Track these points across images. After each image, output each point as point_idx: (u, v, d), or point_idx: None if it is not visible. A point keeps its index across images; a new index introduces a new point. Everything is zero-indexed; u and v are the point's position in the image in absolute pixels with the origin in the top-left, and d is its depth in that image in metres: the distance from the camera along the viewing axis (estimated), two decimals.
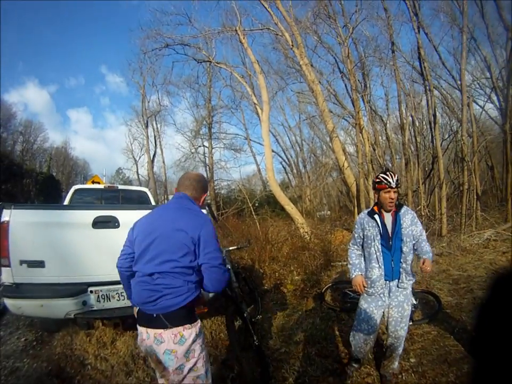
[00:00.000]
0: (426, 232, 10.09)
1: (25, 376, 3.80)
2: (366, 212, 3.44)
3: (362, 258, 3.46)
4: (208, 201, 22.14)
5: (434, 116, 11.09)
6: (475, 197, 10.26)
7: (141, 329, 2.31)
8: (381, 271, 3.24)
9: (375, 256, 3.25)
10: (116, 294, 4.10)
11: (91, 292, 4.03)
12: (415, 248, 3.29)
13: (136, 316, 2.44)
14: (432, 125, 11.12)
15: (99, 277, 4.01)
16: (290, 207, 11.77)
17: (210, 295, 4.29)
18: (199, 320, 2.39)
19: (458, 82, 12.73)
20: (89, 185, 8.80)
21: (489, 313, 0.87)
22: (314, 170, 24.98)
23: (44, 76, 70.79)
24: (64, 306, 3.85)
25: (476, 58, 17.35)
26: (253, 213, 12.99)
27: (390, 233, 3.23)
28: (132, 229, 2.46)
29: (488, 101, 17.00)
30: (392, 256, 3.22)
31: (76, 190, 7.63)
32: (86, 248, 4.00)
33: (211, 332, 4.79)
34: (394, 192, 3.12)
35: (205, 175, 24.29)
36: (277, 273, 7.15)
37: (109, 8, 65.61)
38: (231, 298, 4.32)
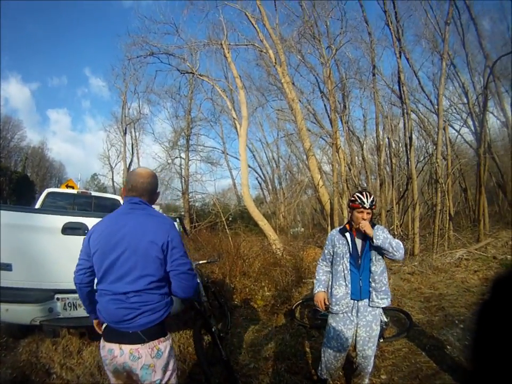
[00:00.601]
0: None
1: None
2: (338, 229, 3.42)
3: (330, 275, 3.42)
4: (182, 213, 21.96)
5: (410, 138, 11.33)
6: (448, 217, 10.47)
7: (111, 346, 2.13)
8: (348, 290, 3.20)
9: (342, 274, 3.22)
10: None
11: (58, 299, 3.89)
12: None
13: (101, 331, 2.28)
14: (408, 147, 11.36)
15: (66, 285, 3.77)
16: (263, 223, 11.71)
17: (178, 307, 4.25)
18: (169, 333, 2.30)
19: (436, 106, 13.05)
20: (62, 190, 8.59)
21: (489, 316, 0.84)
22: (290, 187, 25.02)
23: (27, 72, 68.58)
24: (30, 312, 3.69)
25: (454, 84, 17.99)
26: (226, 227, 12.88)
27: (359, 252, 3.20)
28: (87, 239, 2.22)
29: (464, 126, 17.50)
30: (360, 275, 3.19)
31: (49, 193, 7.44)
32: (54, 254, 3.85)
33: (179, 345, 4.66)
34: (367, 213, 3.10)
35: (181, 186, 24.25)
36: (247, 289, 7.05)
37: (99, 10, 64.91)
38: (199, 312, 4.22)
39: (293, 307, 5.99)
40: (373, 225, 3.20)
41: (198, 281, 4.43)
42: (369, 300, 3.20)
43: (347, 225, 3.32)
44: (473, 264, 7.74)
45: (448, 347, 4.23)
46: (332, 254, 3.36)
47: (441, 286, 6.64)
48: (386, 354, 4.31)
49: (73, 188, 9.27)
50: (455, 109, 18.68)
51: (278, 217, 22.24)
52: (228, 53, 13.00)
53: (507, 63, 16.36)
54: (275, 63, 12.50)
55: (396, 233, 11.26)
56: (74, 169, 61.21)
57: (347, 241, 3.22)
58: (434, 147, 12.14)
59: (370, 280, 3.17)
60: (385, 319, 4.59)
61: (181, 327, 5.10)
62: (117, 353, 2.10)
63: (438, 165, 10.54)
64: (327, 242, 3.44)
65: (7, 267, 3.70)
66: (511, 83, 16.70)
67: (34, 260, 3.84)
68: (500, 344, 0.77)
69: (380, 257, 3.20)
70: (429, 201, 14.88)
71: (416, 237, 10.10)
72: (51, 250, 3.86)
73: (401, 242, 3.17)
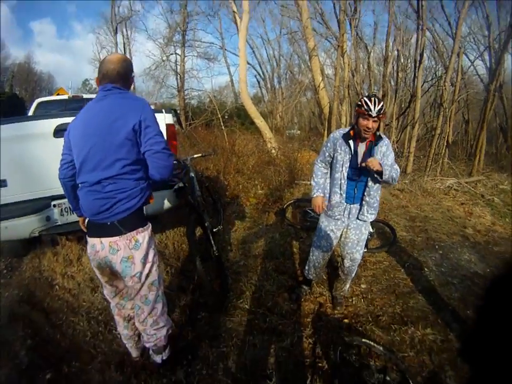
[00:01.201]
0: None
1: None
2: (341, 132, 3.14)
3: (328, 178, 3.31)
4: (177, 108, 21.49)
5: (421, 55, 10.74)
6: (445, 144, 10.41)
7: (93, 241, 2.19)
8: (342, 198, 3.14)
9: (339, 182, 3.11)
10: None
11: (54, 205, 3.86)
12: None
13: (85, 228, 2.34)
14: (418, 63, 10.80)
15: (61, 189, 3.81)
16: (260, 121, 11.48)
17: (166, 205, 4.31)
18: (149, 223, 2.30)
19: (454, 30, 12.20)
20: (52, 97, 8.12)
21: (488, 315, 0.83)
22: (289, 87, 24.39)
23: None
24: (28, 224, 3.69)
25: (478, 13, 16.51)
26: (222, 124, 12.67)
27: (359, 164, 3.02)
28: (67, 133, 2.22)
29: (479, 58, 16.71)
30: (356, 185, 3.10)
31: (39, 103, 7.27)
32: (47, 160, 3.64)
33: (173, 243, 4.78)
34: (373, 121, 2.83)
35: (176, 84, 23.44)
36: (241, 186, 7.13)
37: None
38: (193, 207, 4.23)
39: (284, 206, 6.12)
40: (379, 138, 3.01)
41: (192, 175, 4.42)
42: (359, 212, 3.18)
43: (351, 132, 3.05)
44: (461, 196, 7.86)
45: (425, 269, 4.38)
46: (332, 156, 3.19)
47: (428, 209, 6.79)
48: (368, 264, 4.48)
49: (64, 95, 8.87)
50: (474, 38, 17.62)
51: (275, 117, 21.90)
52: None
53: None
54: None
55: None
56: (65, 78, 57.40)
57: (350, 149, 3.02)
58: (445, 71, 11.70)
59: (365, 193, 3.11)
60: (371, 230, 4.71)
61: (175, 224, 5.18)
62: (98, 248, 2.16)
63: (445, 89, 10.22)
64: (328, 144, 3.19)
65: (3, 183, 3.59)
66: None
67: (29, 170, 3.71)
68: (500, 343, 0.77)
69: (390, 166, 2.99)
70: (428, 124, 14.71)
71: (411, 156, 10.13)
72: (44, 157, 3.68)
73: (399, 170, 3.05)
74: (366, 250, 4.53)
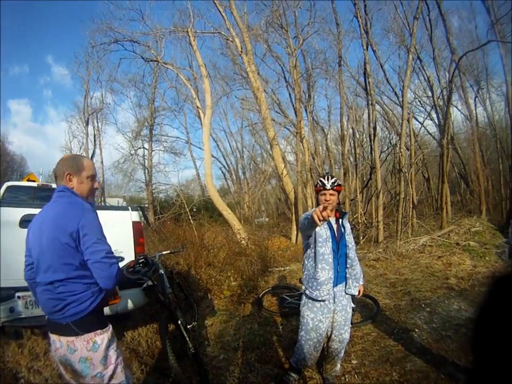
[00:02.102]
0: (363, 238, 10.52)
1: None
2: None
3: (311, 256, 3.26)
4: (145, 205, 21.52)
5: (375, 128, 11.53)
6: (411, 205, 10.75)
7: (53, 337, 2.11)
8: (330, 275, 3.11)
9: (327, 257, 3.12)
10: None
11: (18, 297, 3.67)
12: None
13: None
14: (372, 137, 11.59)
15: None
16: (227, 213, 11.62)
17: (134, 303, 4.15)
18: (110, 325, 2.20)
19: (401, 98, 13.32)
20: (22, 183, 8.22)
21: (488, 317, 0.82)
22: (254, 177, 25.12)
23: None
24: None
25: (419, 78, 18.42)
26: (190, 218, 12.70)
27: (337, 238, 3.17)
28: (27, 235, 2.19)
29: (428, 118, 18.16)
30: (338, 260, 3.14)
31: (8, 187, 7.20)
32: (12, 250, 3.54)
33: (147, 340, 4.50)
34: (330, 194, 3.09)
35: (144, 177, 23.75)
36: (213, 279, 6.93)
37: None
38: (164, 304, 4.08)
39: (260, 296, 5.95)
40: (343, 213, 3.28)
41: (162, 272, 4.33)
42: (345, 286, 3.18)
43: None
44: (437, 250, 7.93)
45: (416, 330, 4.28)
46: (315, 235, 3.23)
47: (406, 272, 6.77)
48: (356, 339, 4.32)
49: (34, 181, 8.90)
50: (420, 101, 19.41)
51: (242, 207, 22.26)
52: (194, 41, 12.73)
53: (472, 60, 17.00)
54: (241, 51, 12.35)
55: (360, 221, 11.45)
56: (36, 162, 58.87)
57: (329, 225, 3.19)
58: (398, 138, 12.46)
59: (348, 266, 3.18)
60: (353, 305, 4.62)
61: (147, 320, 4.96)
62: (58, 345, 2.09)
63: (401, 155, 10.77)
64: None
65: None
66: (475, 79, 17.33)
67: None
68: (500, 343, 0.76)
69: (353, 243, 3.23)
70: (392, 190, 15.31)
71: (380, 224, 10.33)
72: (9, 246, 3.59)
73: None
74: (350, 326, 4.43)
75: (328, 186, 3.08)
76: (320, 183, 3.12)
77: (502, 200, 15.35)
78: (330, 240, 3.14)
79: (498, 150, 17.21)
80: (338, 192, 3.15)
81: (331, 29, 14.05)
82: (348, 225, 3.27)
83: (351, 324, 4.43)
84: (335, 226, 3.22)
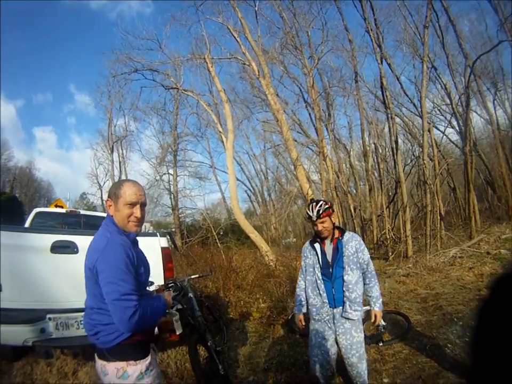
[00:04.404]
0: (392, 254, 10.36)
1: None
2: (309, 240, 3.41)
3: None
4: (172, 229, 21.74)
5: (396, 142, 11.44)
6: (439, 217, 10.54)
7: (96, 357, 2.13)
8: (324, 299, 3.14)
9: (315, 284, 3.20)
10: (75, 322, 3.95)
11: (49, 319, 3.85)
12: (365, 282, 3.22)
13: None
14: (395, 151, 11.46)
15: (58, 304, 3.89)
16: (254, 235, 11.63)
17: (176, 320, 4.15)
18: (149, 357, 2.11)
19: (419, 109, 13.22)
20: (50, 209, 8.46)
21: (490, 314, 0.84)
22: (279, 198, 25.11)
23: (11, 89, 66.17)
24: (22, 333, 3.67)
25: (436, 86, 18.33)
26: (217, 241, 12.80)
27: (330, 261, 3.16)
28: None
29: (449, 126, 17.92)
30: (332, 284, 3.12)
31: (37, 213, 7.35)
32: (44, 273, 3.86)
33: (176, 362, 4.56)
34: (320, 223, 3.08)
35: (170, 202, 24.00)
36: (242, 301, 6.96)
37: (83, 25, 63.26)
38: (194, 327, 4.16)
39: (289, 317, 5.92)
40: (343, 233, 3.24)
41: (191, 295, 4.41)
42: (343, 310, 3.11)
43: (317, 237, 3.29)
44: (468, 261, 7.75)
45: (448, 345, 4.18)
46: (306, 266, 3.37)
47: (437, 286, 6.62)
48: (387, 357, 4.24)
49: (62, 207, 9.15)
50: (439, 110, 19.17)
51: (269, 228, 22.25)
52: (212, 67, 12.99)
53: (486, 62, 16.76)
54: (258, 75, 12.51)
55: (388, 237, 11.29)
56: (63, 188, 60.62)
57: (316, 252, 3.22)
58: (420, 149, 12.29)
59: (344, 289, 3.10)
60: (383, 323, 4.60)
61: (176, 343, 5.01)
62: (96, 364, 2.13)
63: (425, 166, 10.63)
64: (302, 256, 3.45)
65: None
66: (492, 81, 17.06)
67: (24, 280, 3.82)
68: (501, 342, 0.75)
69: (355, 266, 3.13)
70: (418, 203, 15.03)
71: (408, 239, 10.13)
72: (41, 270, 3.85)
73: (373, 269, 3.26)
74: (381, 344, 4.47)
75: (314, 217, 3.07)
76: (307, 215, 3.15)
77: None
78: (318, 265, 3.19)
79: None
80: (329, 215, 3.12)
81: (344, 46, 14.22)
82: (352, 244, 3.17)
83: (382, 341, 4.45)
84: (331, 249, 3.19)
